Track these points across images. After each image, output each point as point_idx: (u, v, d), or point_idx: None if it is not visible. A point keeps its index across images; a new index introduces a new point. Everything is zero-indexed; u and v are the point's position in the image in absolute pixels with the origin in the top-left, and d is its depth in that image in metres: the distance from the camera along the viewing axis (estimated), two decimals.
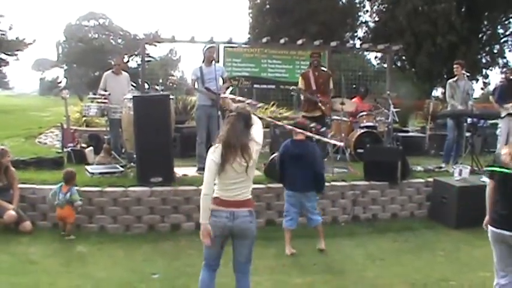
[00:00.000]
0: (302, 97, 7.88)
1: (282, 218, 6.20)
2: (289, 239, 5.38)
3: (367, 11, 29.79)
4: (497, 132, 8.22)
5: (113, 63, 8.92)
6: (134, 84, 15.66)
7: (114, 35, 41.53)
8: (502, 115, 7.90)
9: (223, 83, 7.49)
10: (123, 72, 8.59)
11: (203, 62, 7.29)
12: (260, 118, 3.71)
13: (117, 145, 8.02)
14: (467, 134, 8.56)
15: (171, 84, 7.86)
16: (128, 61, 35.89)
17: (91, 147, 8.00)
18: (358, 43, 26.09)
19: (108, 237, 5.67)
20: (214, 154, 3.36)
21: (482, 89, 28.64)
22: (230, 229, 3.39)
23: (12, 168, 5.92)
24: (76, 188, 5.69)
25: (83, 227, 5.83)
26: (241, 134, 3.35)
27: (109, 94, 7.89)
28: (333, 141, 3.04)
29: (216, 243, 3.42)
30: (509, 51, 27.20)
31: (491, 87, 25.20)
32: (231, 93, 9.33)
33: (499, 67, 26.69)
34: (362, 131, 8.77)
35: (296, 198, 5.33)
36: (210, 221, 3.38)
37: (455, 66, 8.40)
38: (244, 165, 3.33)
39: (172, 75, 25.61)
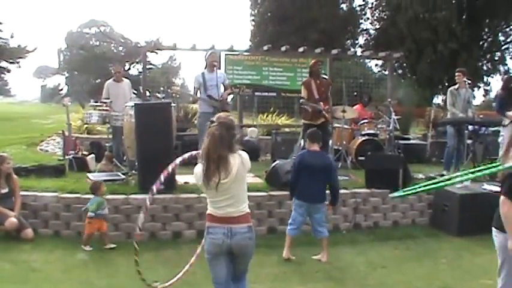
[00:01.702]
0: (308, 107, 7.81)
1: (284, 225, 6.18)
2: (290, 244, 5.37)
3: (367, 18, 30.05)
4: (499, 140, 8.17)
5: (112, 71, 8.96)
6: (135, 92, 15.74)
7: (115, 43, 41.72)
8: (506, 123, 7.83)
9: (225, 89, 7.53)
10: (124, 79, 8.65)
11: (205, 68, 7.37)
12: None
13: (119, 152, 8.03)
14: (469, 142, 8.54)
15: (173, 94, 7.90)
16: (129, 68, 36.07)
17: (92, 155, 8.00)
18: (359, 50, 26.27)
19: None
20: (196, 169, 3.23)
21: (484, 96, 28.76)
22: (228, 246, 3.15)
23: (14, 176, 5.93)
24: (103, 197, 5.66)
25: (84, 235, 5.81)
26: (221, 145, 3.05)
27: (110, 102, 7.91)
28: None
29: (219, 263, 3.22)
30: (511, 58, 27.39)
31: (492, 94, 25.28)
32: (231, 100, 9.38)
33: (500, 74, 26.77)
34: (363, 138, 8.77)
35: (305, 208, 5.31)
36: (207, 238, 3.22)
37: (457, 74, 8.41)
38: (226, 180, 3.07)
39: (175, 85, 25.65)
